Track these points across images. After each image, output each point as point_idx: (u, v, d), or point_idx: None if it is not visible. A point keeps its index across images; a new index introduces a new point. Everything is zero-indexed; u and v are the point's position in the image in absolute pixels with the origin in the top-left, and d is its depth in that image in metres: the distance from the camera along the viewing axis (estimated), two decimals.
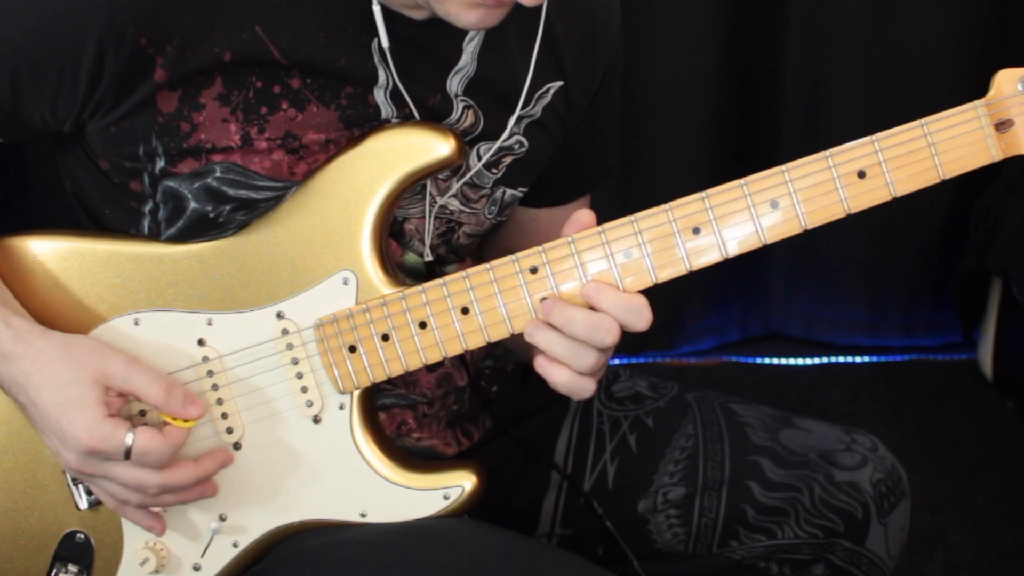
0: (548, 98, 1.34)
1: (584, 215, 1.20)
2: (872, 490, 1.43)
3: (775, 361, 2.83)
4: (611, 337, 1.17)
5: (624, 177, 2.61)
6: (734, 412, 1.50)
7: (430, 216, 1.32)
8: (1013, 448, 2.52)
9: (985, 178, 2.55)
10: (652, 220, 1.18)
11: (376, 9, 1.19)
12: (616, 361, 2.75)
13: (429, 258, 1.33)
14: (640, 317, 1.17)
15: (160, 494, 1.22)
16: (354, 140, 1.25)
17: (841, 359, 2.83)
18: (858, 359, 2.83)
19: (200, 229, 1.26)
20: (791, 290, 2.81)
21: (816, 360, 2.83)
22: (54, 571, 1.29)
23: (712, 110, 2.65)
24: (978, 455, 2.51)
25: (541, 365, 1.20)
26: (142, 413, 1.26)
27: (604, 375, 1.54)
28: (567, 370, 1.19)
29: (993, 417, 2.62)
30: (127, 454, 1.17)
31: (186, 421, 1.21)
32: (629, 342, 2.81)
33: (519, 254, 1.20)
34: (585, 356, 1.18)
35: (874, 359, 2.83)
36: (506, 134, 1.31)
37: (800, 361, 2.83)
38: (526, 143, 1.34)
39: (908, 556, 2.19)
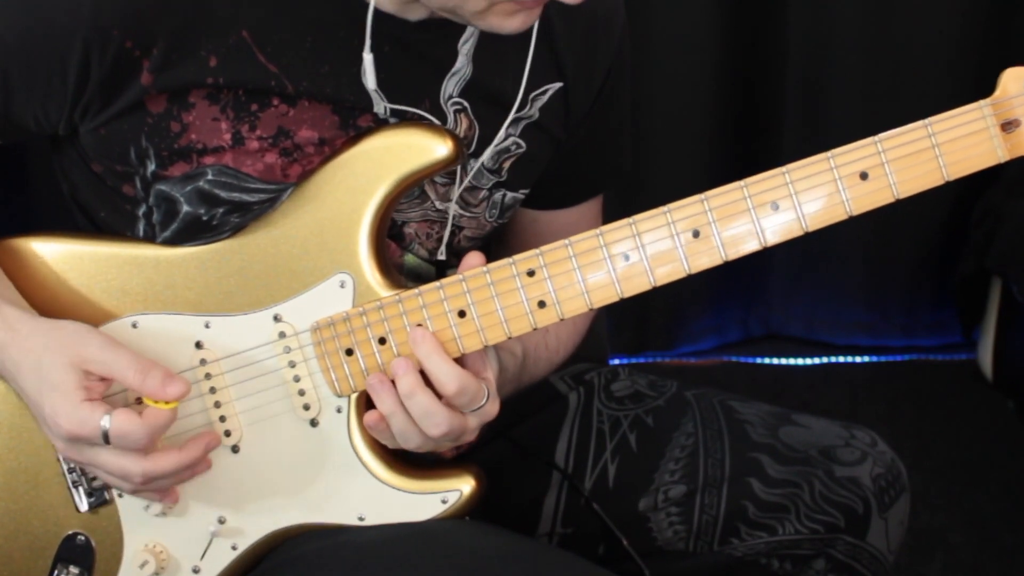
0: (545, 99, 1.33)
1: (472, 257, 1.20)
2: (872, 485, 1.43)
3: (775, 361, 2.83)
4: (437, 430, 1.17)
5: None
6: (734, 410, 1.50)
7: (449, 219, 1.32)
8: (1013, 448, 2.52)
9: (986, 179, 2.55)
10: (650, 223, 1.17)
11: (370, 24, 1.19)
12: (616, 361, 2.74)
13: (442, 257, 1.33)
14: (469, 400, 1.18)
15: (147, 481, 1.19)
16: (350, 141, 1.24)
17: (841, 359, 2.83)
18: (858, 359, 2.83)
19: (194, 232, 1.26)
20: (791, 290, 2.81)
21: (816, 360, 2.83)
22: (55, 572, 1.29)
23: (711, 110, 2.65)
24: (978, 455, 2.50)
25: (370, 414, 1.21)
26: (139, 401, 1.22)
27: (599, 379, 1.55)
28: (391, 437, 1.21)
29: (993, 417, 2.62)
30: (105, 438, 1.15)
31: (168, 403, 1.17)
32: (629, 342, 2.81)
33: (516, 257, 1.19)
34: (411, 437, 1.19)
35: (874, 359, 2.83)
36: (501, 135, 1.31)
37: (800, 361, 2.83)
38: (524, 145, 1.33)
39: (908, 556, 2.19)
